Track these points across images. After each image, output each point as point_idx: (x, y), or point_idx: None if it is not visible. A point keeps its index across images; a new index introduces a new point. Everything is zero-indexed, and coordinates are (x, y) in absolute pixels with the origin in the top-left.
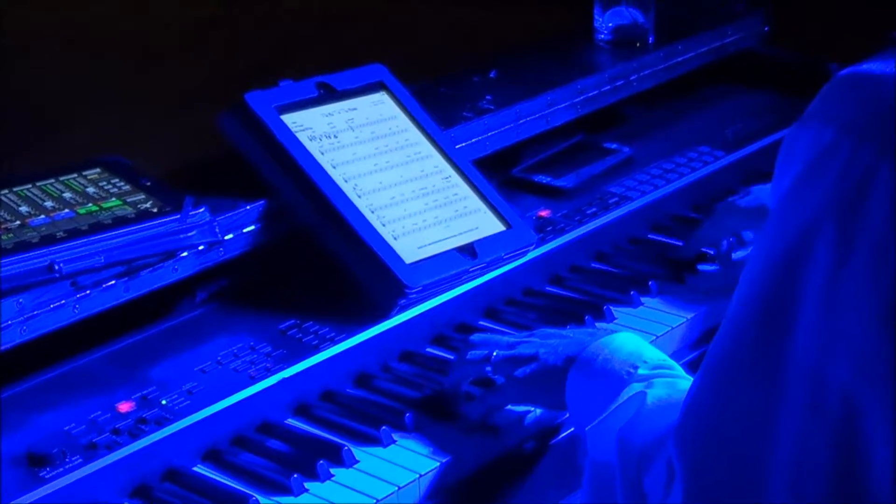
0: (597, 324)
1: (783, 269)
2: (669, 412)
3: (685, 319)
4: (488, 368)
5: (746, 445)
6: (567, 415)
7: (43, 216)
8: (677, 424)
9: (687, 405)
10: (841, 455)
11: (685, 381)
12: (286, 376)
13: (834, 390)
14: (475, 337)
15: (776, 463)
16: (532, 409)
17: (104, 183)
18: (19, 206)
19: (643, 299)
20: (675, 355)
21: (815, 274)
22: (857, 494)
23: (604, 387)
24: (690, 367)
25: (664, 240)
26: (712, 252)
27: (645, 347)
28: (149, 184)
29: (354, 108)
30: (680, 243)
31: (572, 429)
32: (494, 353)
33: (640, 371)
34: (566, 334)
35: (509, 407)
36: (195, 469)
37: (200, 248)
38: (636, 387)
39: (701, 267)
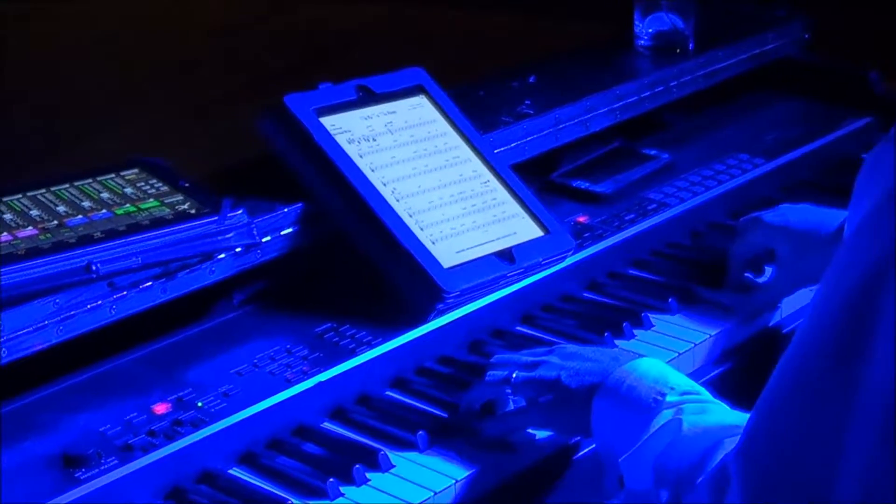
0: (635, 331)
1: (860, 296)
2: (705, 437)
3: (722, 329)
4: (508, 390)
5: (814, 471)
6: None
7: (80, 216)
8: (740, 447)
9: (752, 427)
10: None
11: (715, 406)
12: (323, 380)
13: None
14: (495, 358)
15: (844, 490)
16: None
17: (142, 184)
18: (57, 205)
19: (681, 307)
20: (711, 365)
21: (893, 302)
22: None
23: (632, 415)
24: (718, 383)
25: (702, 246)
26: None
27: (670, 373)
28: (187, 185)
29: (393, 112)
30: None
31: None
32: (514, 375)
33: (669, 398)
34: (587, 356)
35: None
36: (230, 472)
37: (238, 250)
38: (667, 414)
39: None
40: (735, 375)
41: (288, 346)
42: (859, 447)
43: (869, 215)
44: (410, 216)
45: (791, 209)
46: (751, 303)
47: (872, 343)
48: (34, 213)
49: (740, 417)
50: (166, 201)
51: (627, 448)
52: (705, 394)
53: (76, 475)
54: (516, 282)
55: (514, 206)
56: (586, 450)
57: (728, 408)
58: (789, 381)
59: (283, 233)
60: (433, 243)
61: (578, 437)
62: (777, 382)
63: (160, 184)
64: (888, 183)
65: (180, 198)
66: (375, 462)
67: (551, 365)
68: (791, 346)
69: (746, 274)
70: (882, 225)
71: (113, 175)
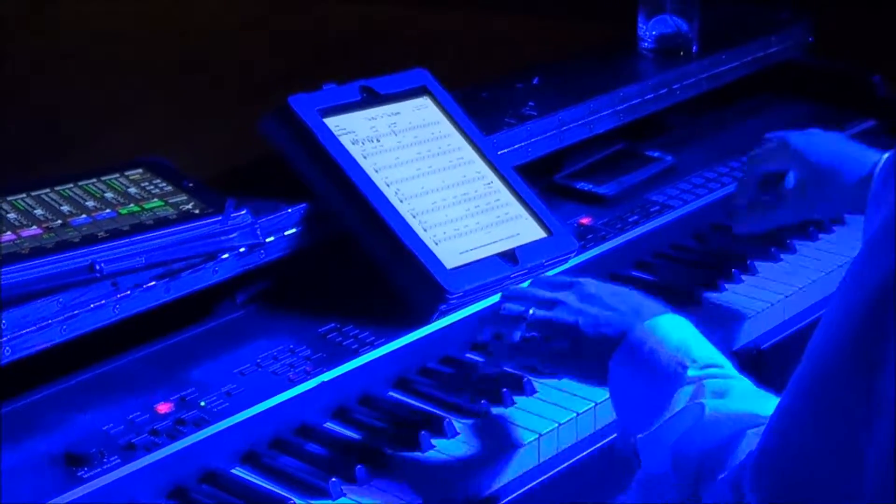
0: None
1: (878, 305)
2: (727, 424)
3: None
4: (522, 328)
5: (832, 484)
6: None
7: (84, 216)
8: (756, 455)
9: (767, 436)
10: None
11: (738, 382)
12: (325, 380)
13: None
14: (510, 290)
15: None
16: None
17: (146, 184)
18: (61, 205)
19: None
20: None
21: None
22: None
23: (652, 382)
24: None
25: (706, 249)
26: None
27: (692, 338)
28: (191, 185)
29: (397, 113)
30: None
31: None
32: (531, 311)
33: (691, 372)
34: (607, 301)
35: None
36: (233, 471)
37: (241, 250)
38: (688, 391)
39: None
40: None
41: (291, 346)
42: (878, 459)
43: (885, 223)
44: (414, 217)
45: (822, 139)
46: (748, 222)
47: (890, 353)
48: (38, 212)
49: (763, 401)
50: (170, 201)
51: (645, 418)
52: (728, 366)
53: (79, 474)
54: (519, 283)
55: (517, 208)
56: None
57: (752, 385)
58: (805, 389)
59: (286, 233)
60: (437, 244)
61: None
62: (793, 389)
63: (164, 184)
64: None
65: (184, 198)
66: (378, 462)
67: (569, 307)
68: (806, 356)
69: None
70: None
71: (117, 175)
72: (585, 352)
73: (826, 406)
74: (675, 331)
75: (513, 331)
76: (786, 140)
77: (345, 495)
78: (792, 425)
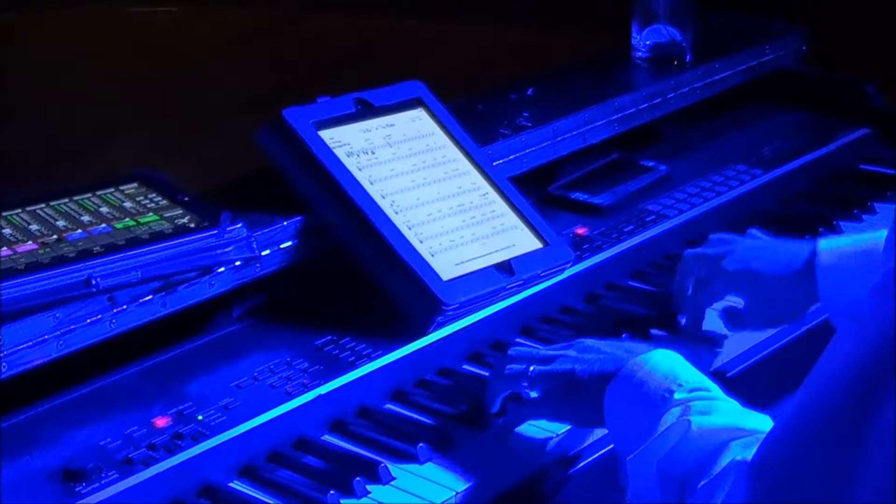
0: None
1: (888, 342)
2: (711, 438)
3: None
4: (525, 384)
5: (826, 494)
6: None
7: (80, 231)
8: (752, 463)
9: (766, 447)
10: None
11: (724, 403)
12: (323, 392)
13: None
14: (513, 351)
15: None
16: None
17: (141, 198)
18: (56, 220)
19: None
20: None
21: None
22: None
23: (642, 409)
24: None
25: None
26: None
27: (681, 367)
28: (186, 199)
29: (392, 125)
30: None
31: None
32: (531, 369)
33: (678, 395)
34: (604, 349)
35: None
36: (231, 485)
37: (237, 263)
38: (675, 412)
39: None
40: None
41: (288, 359)
42: (871, 480)
43: None
44: (409, 228)
45: (751, 250)
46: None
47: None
48: (34, 227)
49: (749, 417)
50: (165, 215)
51: (637, 444)
52: (715, 390)
53: (76, 489)
54: (515, 294)
55: (512, 218)
56: (586, 461)
57: (738, 405)
58: (808, 406)
59: (282, 246)
60: (432, 255)
61: (593, 429)
62: (800, 405)
63: (159, 198)
64: None
65: (179, 212)
66: (376, 474)
67: (567, 358)
68: (818, 371)
69: (707, 330)
70: None
71: (112, 189)
72: (583, 391)
73: (826, 424)
74: (664, 361)
75: (514, 388)
76: (719, 266)
77: None
78: (792, 436)
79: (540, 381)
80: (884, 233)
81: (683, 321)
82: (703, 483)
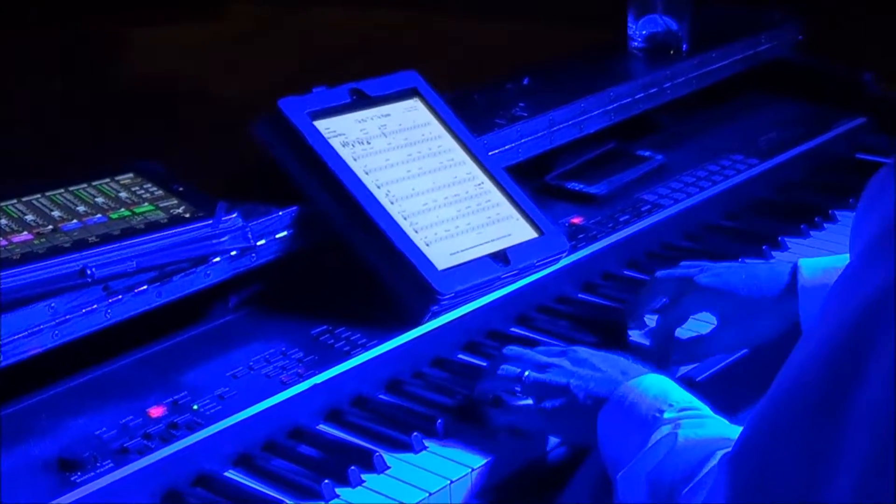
0: (630, 331)
1: (862, 316)
2: (698, 449)
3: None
4: (518, 388)
5: (804, 483)
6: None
7: (75, 221)
8: (731, 454)
9: (745, 437)
10: None
11: (713, 420)
12: (318, 382)
13: None
14: (508, 350)
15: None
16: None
17: (137, 188)
18: (52, 210)
19: None
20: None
21: (892, 333)
22: None
23: (633, 432)
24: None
25: (697, 248)
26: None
27: (672, 389)
28: (181, 189)
29: (387, 115)
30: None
31: None
32: (526, 374)
33: (668, 414)
34: (598, 366)
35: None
36: (226, 474)
37: (233, 253)
38: (664, 429)
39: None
40: None
41: (283, 349)
42: (850, 466)
43: (869, 244)
44: (405, 218)
45: (727, 269)
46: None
47: (867, 370)
48: (29, 217)
49: (736, 431)
50: (161, 205)
51: (627, 462)
52: (705, 409)
53: (72, 478)
54: (511, 283)
55: (508, 208)
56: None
57: (726, 422)
58: (785, 393)
59: (277, 236)
60: (427, 245)
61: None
62: (773, 393)
63: (155, 188)
64: (888, 212)
65: (175, 202)
66: (371, 463)
67: (562, 370)
68: (789, 363)
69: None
70: (883, 254)
71: (107, 179)
72: (577, 411)
73: (802, 411)
74: (655, 384)
75: (508, 390)
76: (692, 282)
77: (338, 497)
78: (770, 423)
79: (534, 389)
80: None
81: (632, 336)
82: (687, 488)
